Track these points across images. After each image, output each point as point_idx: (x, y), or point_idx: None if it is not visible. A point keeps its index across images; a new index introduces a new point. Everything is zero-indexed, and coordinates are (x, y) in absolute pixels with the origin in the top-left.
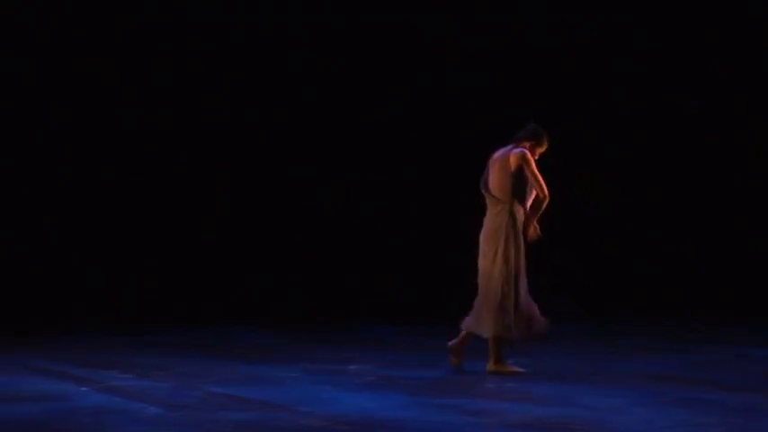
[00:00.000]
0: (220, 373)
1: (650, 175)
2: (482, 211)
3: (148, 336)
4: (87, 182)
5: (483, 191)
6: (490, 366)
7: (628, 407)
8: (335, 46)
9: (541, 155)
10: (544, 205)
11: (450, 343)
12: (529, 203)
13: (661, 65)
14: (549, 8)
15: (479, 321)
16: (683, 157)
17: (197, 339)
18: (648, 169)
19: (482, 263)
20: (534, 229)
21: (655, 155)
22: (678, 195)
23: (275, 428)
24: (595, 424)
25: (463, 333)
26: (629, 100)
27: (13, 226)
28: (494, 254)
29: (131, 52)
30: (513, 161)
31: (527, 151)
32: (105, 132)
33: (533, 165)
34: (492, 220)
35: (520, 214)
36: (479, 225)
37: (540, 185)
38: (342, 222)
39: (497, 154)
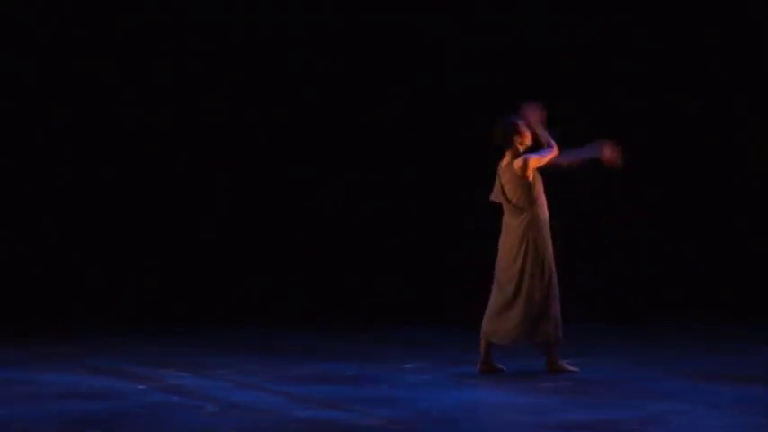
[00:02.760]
0: (276, 371)
1: (649, 175)
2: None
3: (202, 335)
4: (107, 181)
5: (499, 201)
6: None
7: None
8: (335, 46)
9: (534, 132)
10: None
11: (480, 368)
12: (544, 206)
13: (661, 65)
14: (548, 8)
15: (527, 332)
16: (683, 158)
17: (251, 338)
18: (648, 170)
19: (512, 271)
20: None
21: (655, 155)
22: (678, 195)
23: (334, 428)
24: (656, 423)
25: (484, 345)
26: (629, 100)
27: (54, 225)
28: (524, 260)
29: (130, 51)
30: (518, 171)
31: (525, 157)
32: (105, 132)
33: (536, 159)
34: (517, 228)
35: (544, 215)
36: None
37: (549, 157)
38: (342, 222)
39: (505, 162)
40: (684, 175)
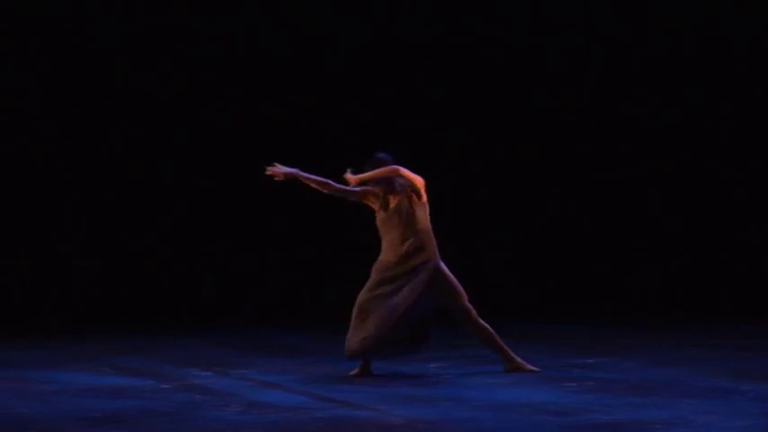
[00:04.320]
0: (299, 371)
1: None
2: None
3: (225, 335)
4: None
5: None
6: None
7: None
8: (335, 46)
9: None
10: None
11: (506, 367)
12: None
13: (663, 64)
14: (548, 8)
15: None
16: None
17: (274, 339)
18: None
19: None
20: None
21: (654, 156)
22: (706, 198)
23: (356, 428)
24: (680, 424)
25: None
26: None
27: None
28: None
29: (127, 52)
30: None
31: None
32: (109, 133)
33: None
34: None
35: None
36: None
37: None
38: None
39: None
40: (711, 175)
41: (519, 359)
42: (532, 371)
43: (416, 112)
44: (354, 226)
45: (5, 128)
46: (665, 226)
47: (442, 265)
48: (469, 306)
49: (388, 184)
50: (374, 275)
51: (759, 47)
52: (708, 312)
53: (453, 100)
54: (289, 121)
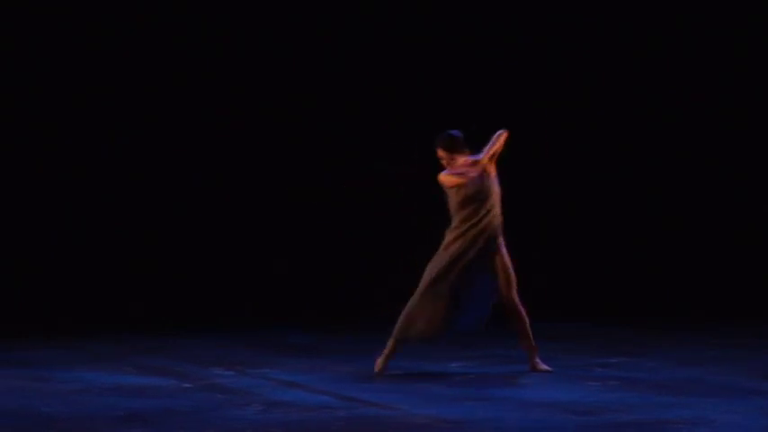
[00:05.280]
0: (321, 371)
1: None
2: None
3: (246, 334)
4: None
5: None
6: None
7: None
8: (335, 46)
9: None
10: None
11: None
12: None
13: (663, 64)
14: (548, 9)
15: None
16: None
17: (296, 338)
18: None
19: None
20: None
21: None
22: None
23: (379, 427)
24: (702, 424)
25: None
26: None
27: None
28: None
29: (123, 53)
30: None
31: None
32: (109, 133)
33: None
34: None
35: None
36: None
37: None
38: (386, 223)
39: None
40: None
41: (536, 359)
42: (546, 371)
43: (416, 112)
44: (370, 225)
45: (5, 128)
46: (665, 226)
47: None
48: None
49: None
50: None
51: (759, 47)
52: (725, 312)
53: (452, 100)
54: (289, 121)
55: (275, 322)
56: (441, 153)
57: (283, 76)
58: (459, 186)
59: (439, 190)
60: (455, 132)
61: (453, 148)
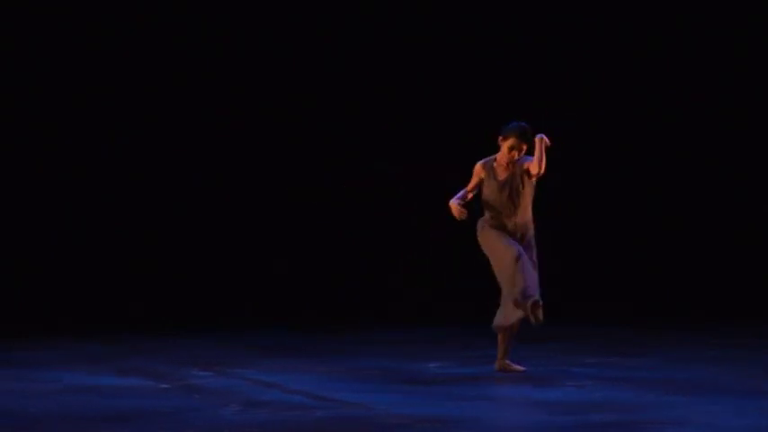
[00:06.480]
0: (298, 371)
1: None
2: None
3: (224, 335)
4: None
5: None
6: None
7: None
8: (335, 46)
9: (511, 147)
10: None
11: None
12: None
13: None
14: (548, 9)
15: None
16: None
17: (274, 338)
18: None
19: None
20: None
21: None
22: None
23: (357, 427)
24: (675, 425)
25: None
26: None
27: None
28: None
29: (123, 53)
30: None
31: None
32: (108, 133)
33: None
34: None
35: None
36: None
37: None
38: (374, 225)
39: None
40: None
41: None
42: (519, 371)
43: (416, 112)
44: (356, 227)
45: (5, 128)
46: (665, 226)
47: None
48: None
49: None
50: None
51: (759, 47)
52: (725, 312)
53: (452, 100)
54: (289, 121)
55: (252, 323)
56: (514, 143)
57: (283, 76)
58: (481, 180)
59: (438, 190)
60: (525, 123)
61: (527, 139)
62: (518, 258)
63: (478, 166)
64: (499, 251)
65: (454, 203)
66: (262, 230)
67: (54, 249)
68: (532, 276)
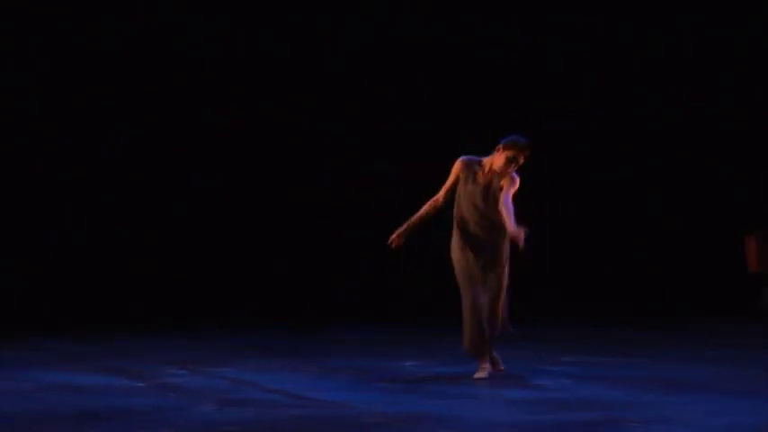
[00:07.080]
0: (275, 370)
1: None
2: None
3: (200, 334)
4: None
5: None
6: None
7: None
8: (335, 46)
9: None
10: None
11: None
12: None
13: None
14: (548, 9)
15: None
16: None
17: (249, 338)
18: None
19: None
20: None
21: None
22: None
23: (332, 425)
24: (658, 422)
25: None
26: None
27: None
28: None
29: (123, 53)
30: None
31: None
32: (108, 133)
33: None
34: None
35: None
36: None
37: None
38: (358, 226)
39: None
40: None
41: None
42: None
43: (416, 112)
44: (356, 227)
45: (5, 128)
46: (665, 226)
47: None
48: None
49: None
50: None
51: (759, 47)
52: (724, 312)
53: (452, 101)
54: (289, 121)
55: (230, 323)
56: (516, 155)
57: (283, 76)
58: (458, 179)
59: (437, 190)
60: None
61: (527, 157)
62: (473, 308)
63: (460, 164)
64: (464, 288)
65: (398, 232)
66: (262, 230)
67: (54, 249)
68: (489, 321)
